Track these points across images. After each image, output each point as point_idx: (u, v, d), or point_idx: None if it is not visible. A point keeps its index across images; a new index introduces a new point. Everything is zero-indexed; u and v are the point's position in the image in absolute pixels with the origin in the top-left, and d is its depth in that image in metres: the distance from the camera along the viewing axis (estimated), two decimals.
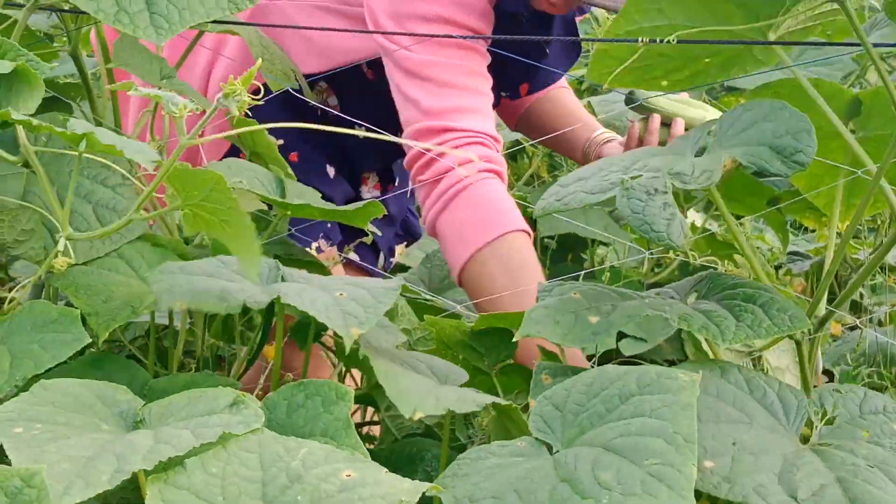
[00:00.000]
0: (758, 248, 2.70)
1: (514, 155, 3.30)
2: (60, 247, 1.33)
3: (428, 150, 1.79)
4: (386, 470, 1.01)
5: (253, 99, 1.12)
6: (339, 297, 1.26)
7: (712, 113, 2.08)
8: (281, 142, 1.72)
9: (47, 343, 1.25)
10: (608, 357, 1.56)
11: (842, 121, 1.48)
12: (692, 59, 1.45)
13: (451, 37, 1.81)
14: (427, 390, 1.24)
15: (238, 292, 1.32)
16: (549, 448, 1.13)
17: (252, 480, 0.99)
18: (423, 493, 0.99)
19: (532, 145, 3.12)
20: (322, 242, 2.12)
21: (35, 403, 1.11)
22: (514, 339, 1.35)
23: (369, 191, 2.28)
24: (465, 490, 1.05)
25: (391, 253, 2.33)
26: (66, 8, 1.67)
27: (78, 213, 1.52)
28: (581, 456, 1.07)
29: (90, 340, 1.24)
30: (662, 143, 2.04)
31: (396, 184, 2.31)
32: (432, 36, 1.81)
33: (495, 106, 2.01)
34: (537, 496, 1.03)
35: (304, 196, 1.59)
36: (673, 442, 1.05)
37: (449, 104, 1.80)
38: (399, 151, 2.15)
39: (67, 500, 0.94)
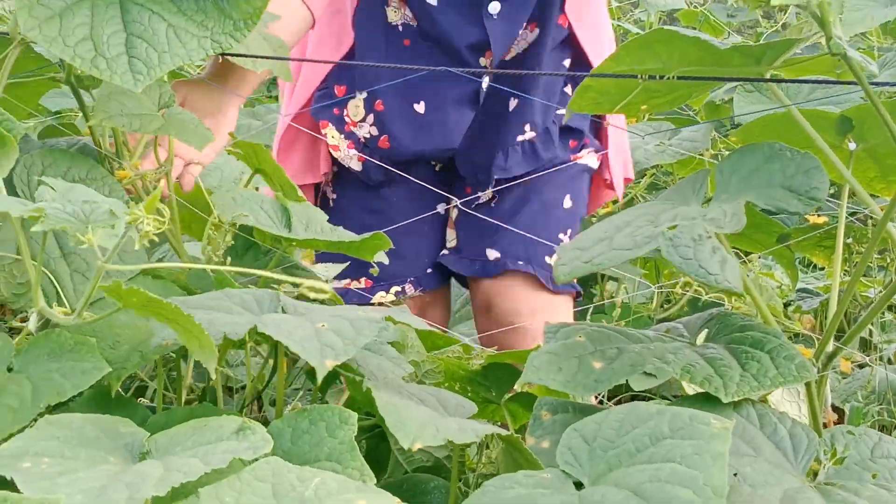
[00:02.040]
0: (765, 284, 2.70)
1: None
2: (32, 325, 1.34)
3: None
4: (398, 499, 1.00)
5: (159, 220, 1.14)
6: (319, 329, 1.25)
7: None
8: None
9: (67, 371, 1.24)
10: (617, 389, 1.56)
11: (837, 139, 1.55)
12: (676, 87, 1.48)
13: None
14: (427, 420, 1.23)
15: (223, 325, 1.29)
16: (575, 482, 1.12)
17: None
18: None
19: None
20: (408, 286, 2.18)
21: (40, 439, 1.11)
22: (515, 388, 1.35)
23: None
24: None
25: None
26: None
27: (76, 253, 1.51)
28: (609, 497, 1.06)
29: (109, 370, 1.24)
30: None
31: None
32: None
33: None
34: None
35: (312, 223, 1.59)
36: (702, 494, 1.04)
37: None
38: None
39: None
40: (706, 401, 1.27)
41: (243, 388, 1.87)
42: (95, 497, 0.99)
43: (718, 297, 2.14)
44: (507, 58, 2.12)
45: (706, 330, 1.45)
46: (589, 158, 2.21)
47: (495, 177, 2.14)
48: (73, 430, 1.13)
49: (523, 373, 1.32)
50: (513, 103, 2.14)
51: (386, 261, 1.62)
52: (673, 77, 1.38)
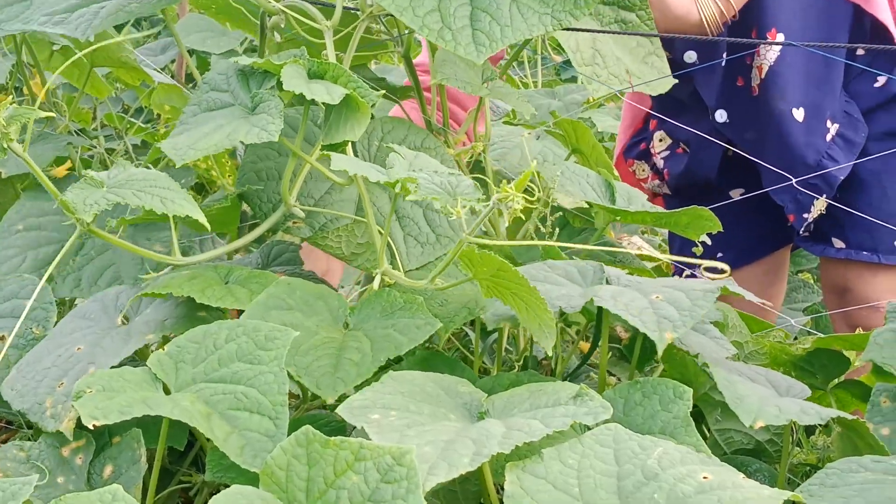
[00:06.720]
0: None
1: None
2: (376, 284, 1.42)
3: None
4: (743, 475, 0.99)
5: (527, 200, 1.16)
6: (654, 301, 1.25)
7: None
8: None
9: (402, 328, 1.31)
10: None
11: None
12: None
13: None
14: (767, 399, 1.22)
15: (557, 298, 1.33)
16: None
17: (607, 475, 1.01)
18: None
19: None
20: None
21: (387, 392, 1.17)
22: (856, 364, 1.31)
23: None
24: (832, 502, 1.02)
25: (803, 208, 2.10)
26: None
27: (409, 217, 1.59)
28: None
29: (440, 325, 1.29)
30: None
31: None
32: None
33: None
34: None
35: (634, 199, 1.59)
36: None
37: None
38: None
39: (432, 480, 0.99)
40: None
41: (539, 362, 1.90)
42: (443, 450, 1.04)
43: None
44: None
45: None
46: None
47: (841, 178, 2.04)
48: (416, 386, 1.18)
49: (865, 350, 1.27)
50: (798, 114, 2.04)
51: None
52: None
